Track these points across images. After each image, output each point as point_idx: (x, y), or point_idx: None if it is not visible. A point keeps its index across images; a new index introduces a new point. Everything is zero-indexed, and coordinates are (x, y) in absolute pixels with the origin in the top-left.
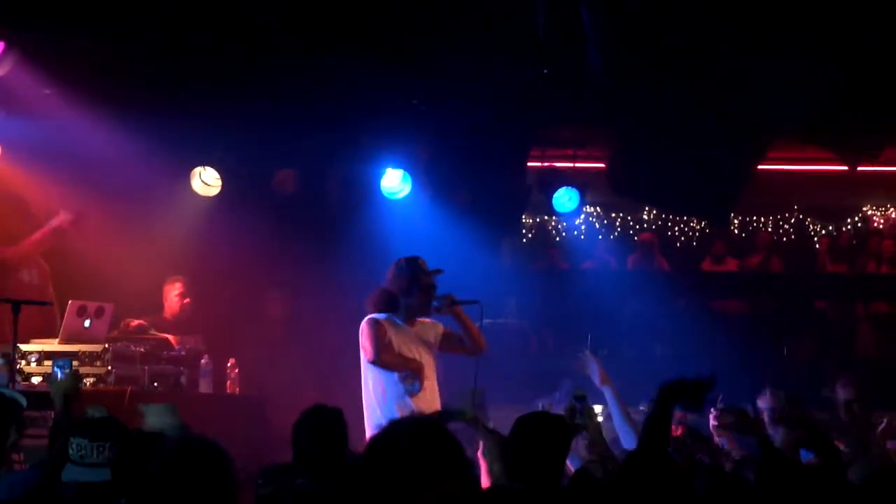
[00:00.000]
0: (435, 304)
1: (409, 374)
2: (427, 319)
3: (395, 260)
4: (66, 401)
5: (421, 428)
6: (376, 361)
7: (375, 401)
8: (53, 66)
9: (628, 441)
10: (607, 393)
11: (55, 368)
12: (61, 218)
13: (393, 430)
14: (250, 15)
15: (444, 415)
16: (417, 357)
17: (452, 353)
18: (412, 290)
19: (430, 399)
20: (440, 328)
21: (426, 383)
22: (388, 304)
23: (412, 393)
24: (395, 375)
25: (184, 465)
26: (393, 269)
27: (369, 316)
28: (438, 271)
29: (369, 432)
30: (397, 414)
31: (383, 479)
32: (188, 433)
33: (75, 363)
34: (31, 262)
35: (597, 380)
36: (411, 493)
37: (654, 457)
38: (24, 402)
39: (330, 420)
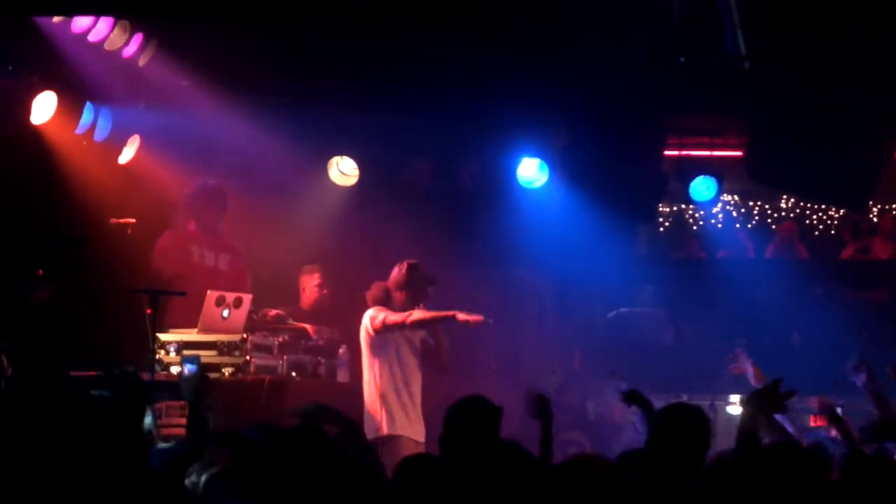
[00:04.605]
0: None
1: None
2: None
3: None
4: (197, 394)
5: None
6: (410, 320)
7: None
8: (191, 57)
9: None
10: None
11: (184, 363)
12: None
13: None
14: (386, 4)
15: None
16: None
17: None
18: (408, 293)
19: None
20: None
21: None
22: (385, 300)
23: None
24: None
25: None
26: (396, 270)
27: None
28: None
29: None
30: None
31: None
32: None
33: (207, 353)
34: (214, 242)
35: (752, 380)
36: None
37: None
38: None
39: (484, 410)
